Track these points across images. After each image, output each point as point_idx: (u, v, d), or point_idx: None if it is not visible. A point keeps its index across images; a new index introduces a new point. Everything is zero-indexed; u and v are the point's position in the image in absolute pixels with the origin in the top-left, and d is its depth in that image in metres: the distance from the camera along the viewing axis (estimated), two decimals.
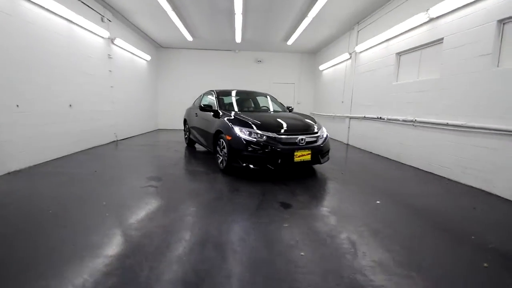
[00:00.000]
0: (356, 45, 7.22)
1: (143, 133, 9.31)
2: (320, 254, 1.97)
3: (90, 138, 5.99)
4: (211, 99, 5.37)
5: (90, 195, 3.13)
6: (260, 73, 11.03)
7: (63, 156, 5.01)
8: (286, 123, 4.08)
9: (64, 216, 2.52)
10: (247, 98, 5.52)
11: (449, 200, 3.30)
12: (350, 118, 7.65)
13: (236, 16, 6.56)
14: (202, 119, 5.28)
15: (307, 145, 3.84)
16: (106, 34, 6.33)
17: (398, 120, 5.33)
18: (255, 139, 3.70)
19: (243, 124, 3.91)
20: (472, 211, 2.94)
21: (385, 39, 5.86)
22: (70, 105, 5.21)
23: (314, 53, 10.92)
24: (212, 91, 5.52)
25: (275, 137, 3.71)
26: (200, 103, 5.86)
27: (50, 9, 4.55)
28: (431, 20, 4.50)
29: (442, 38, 4.31)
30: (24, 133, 4.11)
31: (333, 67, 9.15)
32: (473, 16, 3.77)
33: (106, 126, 6.67)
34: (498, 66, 3.49)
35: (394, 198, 3.26)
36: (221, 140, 4.17)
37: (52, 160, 4.71)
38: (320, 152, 3.97)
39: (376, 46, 6.31)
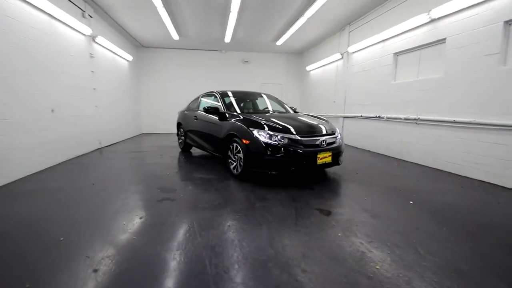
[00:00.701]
0: (349, 45, 7.31)
1: (127, 139, 8.63)
2: (393, 267, 1.82)
3: (74, 146, 5.35)
4: (215, 101, 5.05)
5: (100, 213, 2.70)
6: (247, 74, 10.82)
7: (46, 168, 4.38)
8: (304, 125, 3.93)
9: (79, 244, 2.11)
10: (252, 99, 5.27)
11: (471, 196, 3.37)
12: (344, 117, 7.74)
13: (231, 14, 6.29)
14: (205, 122, 4.93)
15: (328, 147, 3.72)
16: (88, 31, 5.72)
17: (400, 118, 5.43)
18: (276, 142, 3.49)
19: (260, 126, 3.68)
20: (499, 206, 3.01)
21: (381, 39, 5.96)
22: (53, 110, 4.59)
23: (301, 53, 10.95)
24: (214, 92, 5.20)
25: (297, 139, 3.53)
26: (200, 105, 5.51)
27: (29, 1, 3.96)
28: (433, 21, 4.63)
29: (445, 39, 4.44)
30: (3, 145, 3.50)
31: (322, 67, 9.22)
32: (478, 17, 3.92)
33: (90, 132, 6.02)
34: (505, 65, 3.66)
35: (420, 197, 3.24)
36: (235, 144, 3.90)
37: (35, 173, 4.09)
38: (338, 154, 3.88)
39: (371, 47, 6.41)
